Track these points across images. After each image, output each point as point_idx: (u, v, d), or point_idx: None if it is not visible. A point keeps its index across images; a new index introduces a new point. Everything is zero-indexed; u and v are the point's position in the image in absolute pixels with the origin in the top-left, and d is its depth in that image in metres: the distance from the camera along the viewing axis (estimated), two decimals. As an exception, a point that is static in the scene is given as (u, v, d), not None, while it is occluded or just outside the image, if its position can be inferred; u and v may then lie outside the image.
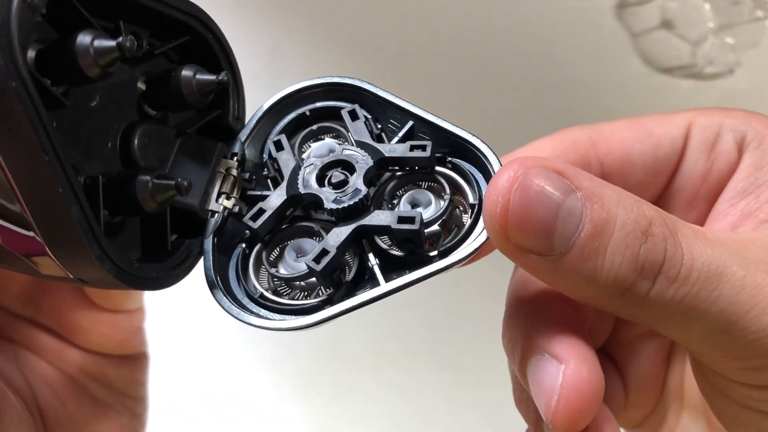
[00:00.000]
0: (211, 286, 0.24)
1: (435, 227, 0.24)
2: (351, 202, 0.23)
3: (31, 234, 0.20)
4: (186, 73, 0.23)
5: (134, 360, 0.34)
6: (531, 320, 0.24)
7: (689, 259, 0.21)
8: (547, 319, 0.24)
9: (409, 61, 0.68)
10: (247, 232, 0.25)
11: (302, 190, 0.24)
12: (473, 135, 0.24)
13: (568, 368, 0.22)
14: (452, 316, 0.61)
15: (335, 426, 0.60)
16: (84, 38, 0.20)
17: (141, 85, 0.24)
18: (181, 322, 0.61)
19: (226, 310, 0.23)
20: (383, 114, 0.25)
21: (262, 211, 0.24)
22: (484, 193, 0.23)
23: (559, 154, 0.27)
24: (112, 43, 0.20)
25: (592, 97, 0.70)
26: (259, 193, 0.25)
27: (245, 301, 0.24)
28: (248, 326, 0.23)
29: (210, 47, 0.25)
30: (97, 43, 0.20)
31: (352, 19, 0.72)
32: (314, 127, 0.26)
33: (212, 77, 0.24)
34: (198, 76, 0.23)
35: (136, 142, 0.23)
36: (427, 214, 0.24)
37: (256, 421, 0.60)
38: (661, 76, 0.72)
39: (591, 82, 0.71)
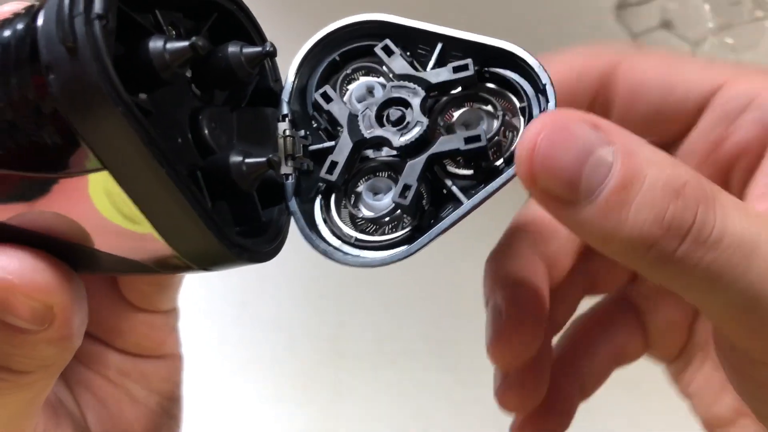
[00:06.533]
0: (312, 242, 0.25)
1: (495, 139, 0.25)
2: (417, 136, 0.24)
3: (153, 237, 0.22)
4: (233, 49, 0.24)
5: (170, 361, 0.34)
6: (498, 272, 0.26)
7: (722, 225, 0.21)
8: (508, 277, 0.26)
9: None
10: (320, 185, 0.26)
11: (367, 135, 0.25)
12: (504, 41, 0.25)
13: (506, 320, 0.27)
14: (452, 316, 0.61)
15: (335, 426, 0.60)
16: (156, 44, 0.21)
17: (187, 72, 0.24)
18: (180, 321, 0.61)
19: (341, 262, 0.25)
20: (409, 42, 0.26)
21: (334, 164, 0.25)
22: (531, 98, 0.25)
23: (571, 68, 0.28)
24: (185, 44, 0.21)
25: (591, 97, 0.70)
26: (319, 146, 0.26)
27: (345, 248, 0.25)
28: (362, 267, 0.25)
29: (238, 19, 0.25)
30: (170, 46, 0.21)
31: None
32: (348, 70, 0.27)
33: (259, 49, 0.24)
34: (244, 50, 0.24)
35: (205, 129, 0.23)
36: (484, 129, 0.25)
37: (256, 420, 0.60)
38: (660, 76, 0.72)
39: (591, 82, 0.71)
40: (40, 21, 0.19)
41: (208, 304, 0.63)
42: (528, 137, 0.21)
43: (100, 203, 0.21)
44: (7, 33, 0.20)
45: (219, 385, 0.61)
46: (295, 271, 0.65)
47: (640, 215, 0.20)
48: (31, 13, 0.20)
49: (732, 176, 0.27)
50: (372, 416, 0.59)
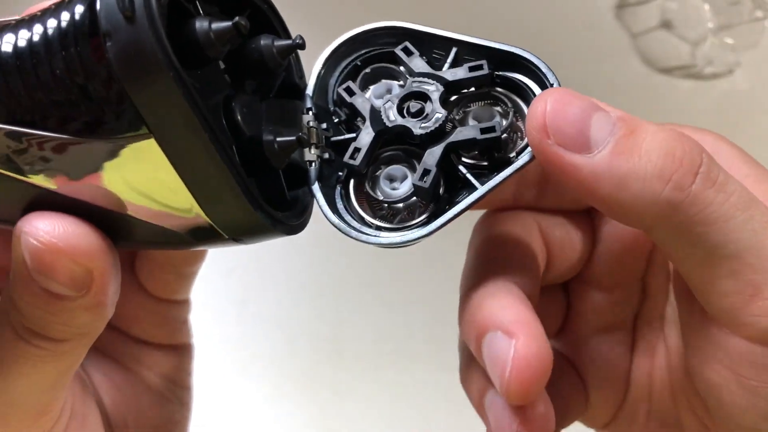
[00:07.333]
0: (335, 224, 0.26)
1: (503, 135, 0.27)
2: (437, 125, 0.26)
3: (188, 208, 0.23)
4: (265, 42, 0.26)
5: (183, 350, 0.35)
6: (483, 303, 0.26)
7: (724, 175, 0.22)
8: (498, 302, 0.26)
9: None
10: (340, 173, 0.27)
11: (389, 124, 0.26)
12: (513, 46, 0.27)
13: (518, 342, 0.24)
14: (452, 316, 0.61)
15: (335, 425, 0.60)
16: (203, 23, 0.22)
17: (221, 61, 0.26)
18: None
19: (362, 241, 0.26)
20: (425, 47, 0.28)
21: (357, 150, 0.26)
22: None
23: None
24: (229, 23, 0.23)
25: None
26: (340, 137, 0.28)
27: (365, 229, 0.26)
28: (385, 248, 0.26)
29: (266, 16, 0.27)
30: (215, 26, 0.22)
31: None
32: (368, 70, 0.29)
33: (289, 41, 0.26)
34: (276, 43, 0.26)
35: (238, 113, 0.25)
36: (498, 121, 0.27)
37: (256, 419, 0.60)
38: (660, 76, 0.72)
39: (590, 82, 0.71)
40: None
41: (209, 302, 0.63)
42: (537, 103, 0.23)
43: (141, 170, 0.22)
44: (65, 9, 0.22)
45: (219, 383, 0.61)
46: (295, 271, 0.65)
47: (653, 153, 0.22)
48: None
49: None
50: (372, 416, 0.60)
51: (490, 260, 0.28)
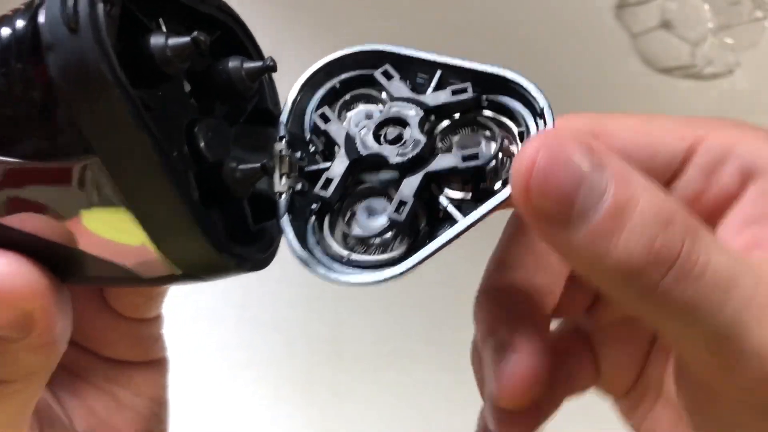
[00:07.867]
0: (303, 260, 0.25)
1: (492, 163, 0.25)
2: (415, 153, 0.24)
3: (140, 244, 0.21)
4: (233, 64, 0.24)
5: (157, 365, 0.34)
6: (498, 306, 0.26)
7: (705, 259, 0.21)
8: (512, 309, 0.26)
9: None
10: (314, 205, 0.26)
11: (363, 152, 0.25)
12: (501, 67, 0.25)
13: (519, 356, 0.25)
14: (452, 317, 0.61)
15: (334, 427, 0.60)
16: (158, 39, 0.21)
17: (186, 83, 0.24)
18: (177, 322, 0.60)
19: (332, 281, 0.24)
20: (408, 70, 0.27)
21: (329, 180, 0.25)
22: (529, 123, 0.25)
23: None
24: (186, 39, 0.21)
25: (590, 97, 0.70)
26: (315, 167, 0.26)
27: (336, 266, 0.25)
28: (354, 287, 0.24)
29: (238, 38, 0.26)
30: (172, 41, 0.21)
31: (352, 21, 0.72)
32: (347, 96, 0.27)
33: (259, 63, 0.25)
34: (245, 65, 0.24)
35: (201, 139, 0.23)
36: (483, 150, 0.25)
37: (255, 421, 0.60)
38: (660, 76, 0.72)
39: (590, 82, 0.71)
40: (43, 8, 0.19)
41: (207, 305, 0.63)
42: (526, 155, 0.21)
43: (87, 198, 0.21)
44: (7, 24, 0.20)
45: (217, 386, 0.61)
46: (293, 272, 0.65)
47: (630, 243, 0.21)
48: (32, 7, 0.20)
49: (716, 225, 0.27)
50: (371, 417, 0.59)
51: (517, 251, 0.28)
